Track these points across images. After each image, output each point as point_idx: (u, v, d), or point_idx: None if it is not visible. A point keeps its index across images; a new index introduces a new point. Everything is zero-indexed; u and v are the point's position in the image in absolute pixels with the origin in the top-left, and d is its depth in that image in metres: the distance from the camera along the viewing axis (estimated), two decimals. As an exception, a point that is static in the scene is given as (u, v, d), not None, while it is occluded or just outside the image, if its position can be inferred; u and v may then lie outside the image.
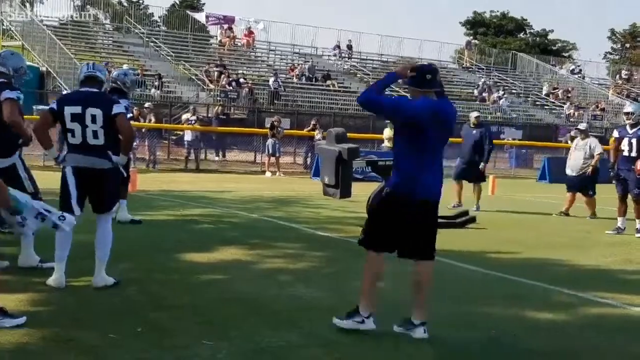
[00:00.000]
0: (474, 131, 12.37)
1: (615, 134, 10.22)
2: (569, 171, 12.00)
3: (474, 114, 12.99)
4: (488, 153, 12.52)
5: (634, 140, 9.65)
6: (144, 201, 11.06)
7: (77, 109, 5.51)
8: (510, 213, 12.16)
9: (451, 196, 11.97)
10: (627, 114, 10.04)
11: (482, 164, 12.32)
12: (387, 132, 22.04)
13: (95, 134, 5.51)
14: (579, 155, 11.84)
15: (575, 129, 12.74)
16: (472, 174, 12.26)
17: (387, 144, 21.88)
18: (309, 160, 21.25)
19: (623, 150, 9.80)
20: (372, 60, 38.52)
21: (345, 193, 9.67)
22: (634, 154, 9.61)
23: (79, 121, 5.49)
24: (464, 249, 8.27)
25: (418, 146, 4.64)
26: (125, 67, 7.66)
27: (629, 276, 7.21)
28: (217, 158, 22.15)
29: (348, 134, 21.39)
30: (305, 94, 30.69)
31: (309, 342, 4.54)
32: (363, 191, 10.27)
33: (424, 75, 4.70)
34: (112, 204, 5.85)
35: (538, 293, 6.28)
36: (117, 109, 5.57)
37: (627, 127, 9.89)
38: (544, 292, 6.30)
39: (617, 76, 44.65)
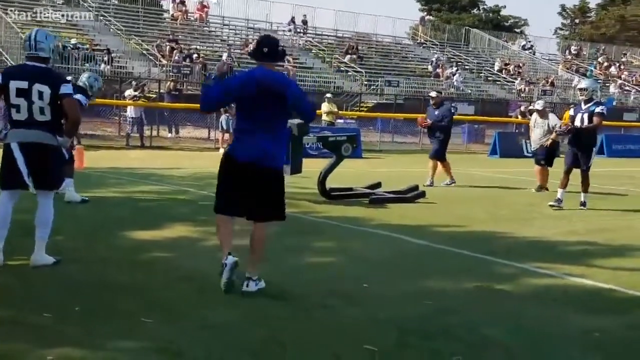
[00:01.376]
0: (436, 111, 12.56)
1: (571, 112, 10.40)
2: (533, 146, 12.54)
3: (432, 94, 13.22)
4: (441, 130, 12.47)
5: (585, 115, 9.82)
6: (91, 179, 10.86)
7: (24, 84, 5.34)
8: (460, 188, 12.28)
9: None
10: (581, 89, 10.19)
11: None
12: (325, 106, 22.10)
13: (41, 110, 5.37)
14: (538, 132, 12.10)
15: (530, 109, 12.86)
16: (432, 150, 12.63)
17: (325, 117, 21.96)
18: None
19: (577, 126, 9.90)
20: (328, 35, 38.31)
21: (296, 169, 9.68)
22: None
23: (24, 97, 5.33)
24: (412, 224, 8.35)
25: (241, 112, 5.13)
26: (87, 73, 7.59)
27: (570, 247, 7.35)
28: (170, 135, 21.86)
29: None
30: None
31: (249, 318, 4.52)
32: (316, 167, 10.34)
33: (259, 49, 5.10)
34: (56, 181, 5.72)
35: (482, 265, 6.37)
36: (64, 89, 5.43)
37: (582, 104, 10.03)
38: (488, 264, 6.39)
39: (567, 52, 45.32)
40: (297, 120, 9.59)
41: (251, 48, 5.27)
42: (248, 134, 5.04)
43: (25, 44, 5.64)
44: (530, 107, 28.55)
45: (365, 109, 28.53)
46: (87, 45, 27.09)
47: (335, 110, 22.53)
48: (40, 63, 5.50)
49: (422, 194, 10.40)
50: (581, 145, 9.94)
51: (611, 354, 4.11)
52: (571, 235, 7.99)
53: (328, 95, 23.03)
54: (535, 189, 11.98)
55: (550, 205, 9.98)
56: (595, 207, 10.15)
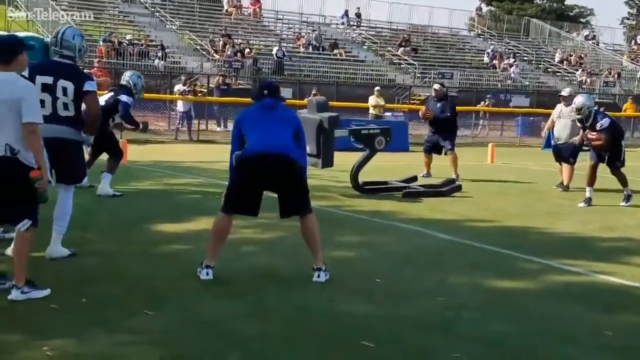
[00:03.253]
0: (438, 104, 11.94)
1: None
2: (559, 139, 11.29)
3: (435, 86, 12.50)
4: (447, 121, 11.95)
5: None
6: (130, 171, 11.05)
7: (49, 80, 5.45)
8: (502, 183, 12.00)
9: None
10: None
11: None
12: (373, 99, 21.95)
13: (65, 106, 5.46)
14: (564, 123, 11.15)
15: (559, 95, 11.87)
16: (440, 146, 11.95)
17: (372, 111, 21.81)
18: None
19: None
20: (382, 28, 38.05)
21: (327, 162, 9.60)
22: None
23: (49, 92, 5.43)
24: (442, 218, 8.20)
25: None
26: (129, 72, 7.75)
27: (602, 244, 7.10)
28: (219, 129, 22.09)
29: (354, 103, 21.27)
30: (312, 64, 30.42)
31: (248, 312, 4.49)
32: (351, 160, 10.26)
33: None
34: (78, 175, 5.80)
35: (505, 261, 6.19)
36: (88, 86, 5.52)
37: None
38: (512, 260, 6.21)
39: (632, 42, 43.79)
40: (327, 113, 9.56)
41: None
42: None
43: (52, 40, 5.75)
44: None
45: (418, 102, 28.20)
46: (142, 41, 27.61)
47: (382, 103, 22.37)
48: (66, 60, 5.60)
49: (458, 188, 10.20)
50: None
51: (619, 354, 3.92)
52: (606, 232, 7.70)
53: (377, 88, 22.88)
54: (562, 187, 11.02)
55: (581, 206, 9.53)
56: (637, 202, 9.76)
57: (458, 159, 11.83)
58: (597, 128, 9.23)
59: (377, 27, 37.87)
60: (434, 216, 8.31)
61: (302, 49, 31.75)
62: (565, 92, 11.68)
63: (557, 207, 9.44)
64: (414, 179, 10.65)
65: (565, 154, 11.04)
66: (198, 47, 28.82)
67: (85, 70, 7.28)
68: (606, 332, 4.27)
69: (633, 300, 5.08)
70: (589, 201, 9.50)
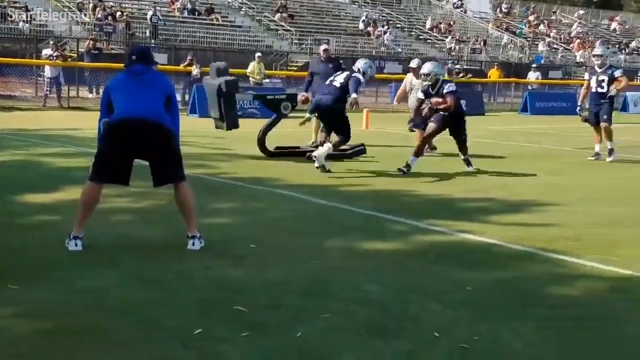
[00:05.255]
0: (330, 65, 12.02)
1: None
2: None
3: (321, 47, 12.74)
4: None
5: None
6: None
7: None
8: (376, 147, 12.33)
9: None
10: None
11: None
12: (252, 66, 21.88)
13: None
14: (415, 94, 11.18)
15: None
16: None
17: (252, 78, 21.78)
18: (187, 96, 20.74)
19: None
20: (258, -8, 37.66)
21: (232, 124, 9.89)
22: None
23: None
24: (319, 183, 8.36)
25: None
26: None
27: (467, 204, 7.48)
28: (90, 95, 21.26)
29: (232, 70, 21.41)
30: (187, 29, 29.75)
31: (125, 282, 4.44)
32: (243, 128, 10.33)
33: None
34: None
35: (376, 224, 6.42)
36: None
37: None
38: (382, 223, 6.44)
39: (498, 10, 45.81)
40: (225, 78, 9.78)
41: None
42: None
43: None
44: (455, 66, 28.88)
45: (295, 69, 28.29)
46: (5, 3, 25.95)
47: (263, 70, 22.31)
48: None
49: (363, 150, 10.57)
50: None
51: (478, 307, 4.18)
52: (470, 193, 8.12)
53: (258, 54, 22.77)
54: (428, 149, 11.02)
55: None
56: (505, 164, 10.34)
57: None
58: (444, 92, 9.44)
59: (254, -8, 37.42)
60: (310, 182, 8.45)
61: (177, 14, 30.96)
62: (414, 64, 11.83)
63: (425, 170, 9.83)
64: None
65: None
66: (66, 9, 27.45)
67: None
68: (467, 287, 4.54)
69: (491, 257, 5.41)
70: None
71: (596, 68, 11.68)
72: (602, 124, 11.42)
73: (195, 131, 12.19)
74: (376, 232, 6.07)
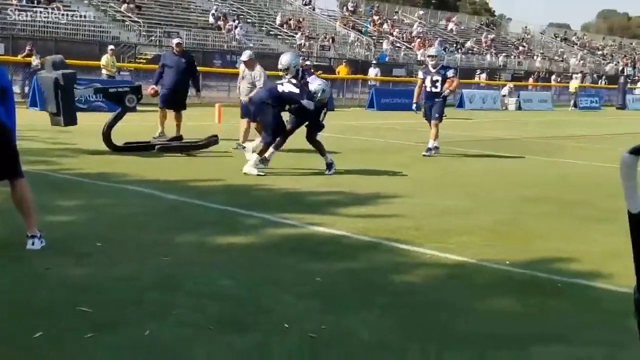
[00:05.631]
0: (182, 59, 12.11)
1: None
2: (242, 99, 11.27)
3: (174, 41, 12.75)
4: (198, 80, 12.48)
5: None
6: None
7: None
8: (228, 141, 12.31)
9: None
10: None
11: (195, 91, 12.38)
12: (105, 59, 21.31)
13: None
14: (245, 84, 11.31)
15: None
16: (178, 102, 12.07)
17: (105, 71, 21.20)
18: (27, 88, 19.65)
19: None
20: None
21: (70, 120, 9.49)
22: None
23: None
24: (169, 179, 8.23)
25: None
26: None
27: (316, 197, 7.68)
28: None
29: (80, 61, 20.66)
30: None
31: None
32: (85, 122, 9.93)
33: None
34: None
35: (228, 218, 6.44)
36: None
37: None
38: (235, 217, 6.47)
39: (344, 8, 47.06)
40: (62, 71, 9.35)
41: None
42: None
43: None
44: (306, 62, 29.33)
45: (144, 61, 27.57)
46: None
47: (116, 63, 21.73)
48: None
49: (215, 141, 10.48)
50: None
51: (327, 297, 4.32)
52: (320, 187, 8.33)
53: (111, 47, 22.12)
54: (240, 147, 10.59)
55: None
56: (355, 158, 10.67)
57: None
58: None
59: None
60: (159, 177, 8.30)
61: (14, 1, 29.13)
62: (245, 57, 11.54)
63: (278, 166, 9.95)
64: (180, 138, 10.89)
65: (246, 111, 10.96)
66: None
67: None
68: (317, 278, 4.67)
69: (339, 248, 5.58)
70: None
71: (430, 68, 12.11)
72: (433, 121, 11.88)
73: (36, 125, 11.61)
74: (229, 226, 6.09)
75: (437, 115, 11.89)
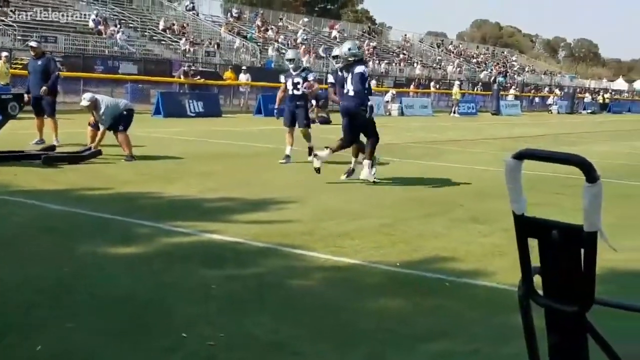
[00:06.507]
0: (39, 62, 12.14)
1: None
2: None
3: (30, 44, 12.77)
4: (56, 80, 12.31)
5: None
6: None
7: None
8: (114, 148, 12.04)
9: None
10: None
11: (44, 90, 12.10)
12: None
13: None
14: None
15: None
16: (41, 107, 12.13)
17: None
18: None
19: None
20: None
21: None
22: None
23: None
24: (56, 188, 8.00)
25: None
26: None
27: (208, 204, 7.68)
28: None
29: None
30: None
31: None
32: None
33: None
34: None
35: (118, 227, 6.34)
36: None
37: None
38: (125, 226, 6.38)
39: (229, 14, 46.93)
40: None
41: None
42: None
43: None
44: (191, 68, 29.08)
45: (21, 67, 26.34)
46: None
47: (9, 71, 20.73)
48: None
49: (99, 152, 10.42)
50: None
51: (221, 304, 4.37)
52: (210, 193, 8.33)
53: (5, 53, 21.06)
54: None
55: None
56: (245, 164, 10.69)
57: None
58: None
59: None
60: (46, 187, 8.06)
61: None
62: (85, 102, 10.82)
63: (167, 172, 9.86)
64: (52, 148, 10.67)
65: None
66: None
67: None
68: (212, 285, 4.71)
69: (232, 254, 5.62)
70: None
71: (291, 71, 12.02)
72: (301, 129, 11.88)
73: None
74: (120, 235, 6.00)
75: (305, 121, 11.90)
